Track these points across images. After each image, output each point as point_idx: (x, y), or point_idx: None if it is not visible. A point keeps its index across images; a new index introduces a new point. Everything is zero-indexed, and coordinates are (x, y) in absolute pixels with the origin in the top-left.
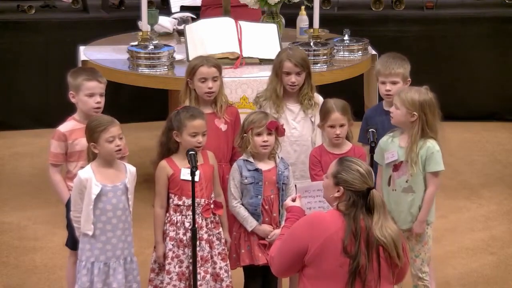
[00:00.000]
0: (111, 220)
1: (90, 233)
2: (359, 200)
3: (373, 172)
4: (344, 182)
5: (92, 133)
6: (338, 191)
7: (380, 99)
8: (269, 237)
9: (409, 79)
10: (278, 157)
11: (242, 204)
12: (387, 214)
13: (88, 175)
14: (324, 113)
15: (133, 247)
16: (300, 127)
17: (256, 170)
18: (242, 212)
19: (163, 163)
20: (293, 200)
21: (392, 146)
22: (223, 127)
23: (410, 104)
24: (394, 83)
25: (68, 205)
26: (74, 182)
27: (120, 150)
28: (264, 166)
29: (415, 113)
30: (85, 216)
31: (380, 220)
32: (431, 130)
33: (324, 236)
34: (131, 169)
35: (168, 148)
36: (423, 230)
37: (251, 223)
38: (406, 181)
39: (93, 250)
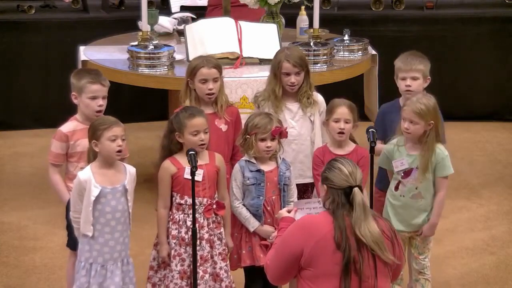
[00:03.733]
0: (109, 222)
1: (90, 234)
2: (339, 198)
3: (359, 173)
4: (326, 180)
5: (95, 130)
6: (324, 189)
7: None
8: (270, 238)
9: (429, 77)
10: (280, 158)
11: (244, 205)
12: (367, 214)
13: (88, 176)
14: (331, 108)
15: (129, 248)
16: (298, 126)
17: (258, 171)
18: (244, 213)
19: (167, 162)
20: (289, 212)
21: (399, 155)
22: (224, 127)
23: (427, 114)
24: (414, 79)
25: (68, 205)
26: (73, 183)
27: (120, 151)
28: (266, 167)
29: (432, 121)
30: (84, 217)
31: (358, 220)
32: (440, 133)
33: (317, 237)
34: (131, 170)
35: (170, 150)
36: (433, 233)
37: (253, 223)
38: (416, 188)
39: (92, 251)
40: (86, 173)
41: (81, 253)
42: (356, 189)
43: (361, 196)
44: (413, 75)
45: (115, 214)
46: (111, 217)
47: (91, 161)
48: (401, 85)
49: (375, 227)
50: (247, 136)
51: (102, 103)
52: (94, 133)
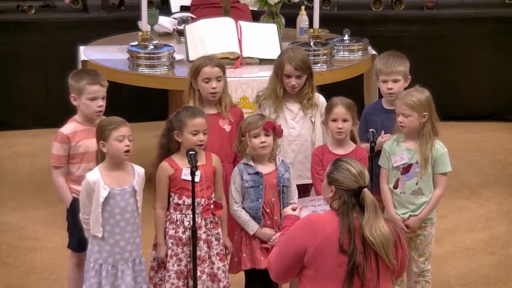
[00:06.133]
0: (119, 223)
1: (100, 235)
2: (350, 199)
3: (367, 173)
4: (335, 181)
5: (103, 131)
6: (331, 190)
7: (379, 97)
8: (271, 240)
9: (409, 76)
10: (279, 160)
11: (243, 208)
12: (379, 215)
13: (96, 178)
14: (328, 108)
15: (141, 248)
16: (298, 127)
17: (257, 173)
18: (243, 216)
19: (164, 163)
20: (293, 210)
21: (399, 150)
22: (227, 127)
23: (419, 106)
24: (395, 81)
25: (70, 208)
26: (82, 184)
27: (128, 151)
28: (265, 169)
29: (425, 113)
30: (94, 219)
31: (370, 220)
32: (436, 127)
33: (322, 236)
34: (139, 170)
35: (168, 149)
36: (417, 227)
37: (252, 226)
38: (416, 183)
39: (102, 252)
40: (95, 175)
41: (90, 254)
42: (366, 190)
43: (371, 197)
44: (394, 77)
45: (124, 215)
46: (120, 218)
47: (99, 162)
48: (383, 87)
49: (386, 228)
50: (242, 138)
51: (102, 103)
52: (101, 134)
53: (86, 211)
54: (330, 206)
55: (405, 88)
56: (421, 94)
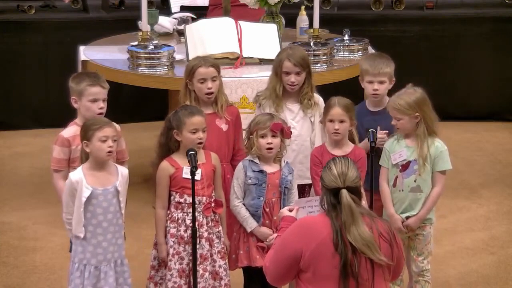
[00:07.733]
0: (101, 224)
1: (82, 235)
2: (329, 197)
3: (351, 174)
4: (321, 178)
5: (87, 130)
6: (321, 188)
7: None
8: (267, 240)
9: (394, 78)
10: (283, 161)
11: (244, 205)
12: (356, 217)
13: (79, 177)
14: (326, 108)
15: (123, 250)
16: (299, 127)
17: (261, 171)
18: (243, 212)
19: (164, 163)
20: (290, 211)
21: (398, 147)
22: (224, 127)
23: (408, 108)
24: (381, 82)
25: None
26: (65, 184)
27: (111, 152)
28: (269, 168)
29: (417, 114)
30: (76, 219)
31: (347, 223)
32: (433, 125)
33: (317, 240)
34: (123, 171)
35: (168, 148)
36: (416, 226)
37: (250, 224)
38: (415, 181)
39: (85, 253)
40: (78, 174)
41: (74, 254)
42: (343, 191)
43: (347, 199)
44: (381, 79)
45: (106, 215)
46: (103, 219)
47: (83, 161)
48: (368, 88)
49: (365, 229)
50: (251, 136)
51: (102, 105)
52: (85, 133)
53: (69, 211)
54: (320, 204)
55: (390, 90)
56: (410, 96)
